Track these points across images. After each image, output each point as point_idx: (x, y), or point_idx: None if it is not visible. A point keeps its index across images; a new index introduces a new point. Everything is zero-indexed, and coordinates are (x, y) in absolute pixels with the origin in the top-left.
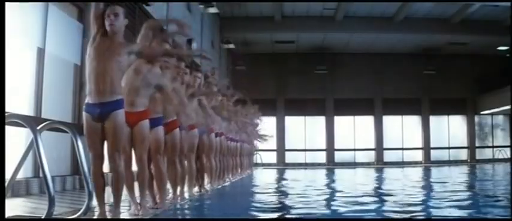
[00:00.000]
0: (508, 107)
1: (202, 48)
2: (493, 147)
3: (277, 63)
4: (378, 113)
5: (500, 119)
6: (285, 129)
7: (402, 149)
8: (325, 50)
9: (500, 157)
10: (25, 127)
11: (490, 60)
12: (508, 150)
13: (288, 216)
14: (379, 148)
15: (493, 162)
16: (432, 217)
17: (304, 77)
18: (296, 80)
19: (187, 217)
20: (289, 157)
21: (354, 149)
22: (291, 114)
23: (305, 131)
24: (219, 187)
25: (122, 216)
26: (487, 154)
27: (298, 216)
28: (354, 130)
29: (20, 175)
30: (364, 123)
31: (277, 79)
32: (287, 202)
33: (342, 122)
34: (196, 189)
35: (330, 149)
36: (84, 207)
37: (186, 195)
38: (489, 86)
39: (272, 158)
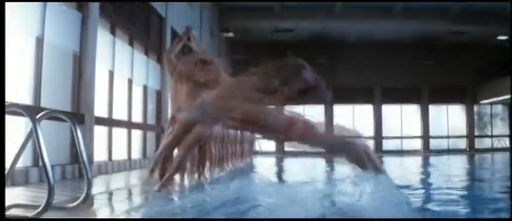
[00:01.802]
0: (507, 96)
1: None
2: (492, 136)
3: (277, 52)
4: (377, 102)
5: (499, 108)
6: None
7: (401, 138)
8: (325, 39)
9: (499, 146)
10: (24, 116)
11: (490, 50)
12: (507, 140)
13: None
14: (378, 137)
15: (492, 151)
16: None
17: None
18: None
19: (188, 206)
20: (288, 145)
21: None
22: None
23: None
24: (219, 175)
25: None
26: (486, 143)
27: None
28: (353, 119)
29: (19, 164)
30: (363, 112)
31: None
32: (285, 190)
33: (340, 111)
34: (195, 177)
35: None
36: (83, 195)
37: (186, 182)
38: (489, 75)
39: (271, 146)
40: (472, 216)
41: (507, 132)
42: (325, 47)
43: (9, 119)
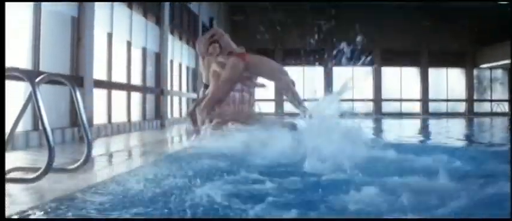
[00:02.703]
0: (507, 61)
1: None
2: (491, 101)
3: (275, 13)
4: (376, 64)
5: (499, 73)
6: None
7: (400, 100)
8: (325, 0)
9: (499, 110)
10: (24, 80)
11: (491, 14)
12: (506, 104)
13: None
14: (378, 99)
15: (491, 116)
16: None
17: (303, 27)
18: (294, 30)
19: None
20: (288, 107)
21: (352, 100)
22: (289, 64)
23: (303, 81)
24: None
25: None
26: (485, 107)
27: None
28: (353, 81)
29: (20, 128)
30: (363, 74)
31: (275, 29)
32: (276, 152)
33: (340, 73)
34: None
35: None
36: (83, 157)
37: (186, 144)
38: (489, 39)
39: (271, 108)
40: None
41: (506, 97)
42: (324, 8)
43: (8, 83)
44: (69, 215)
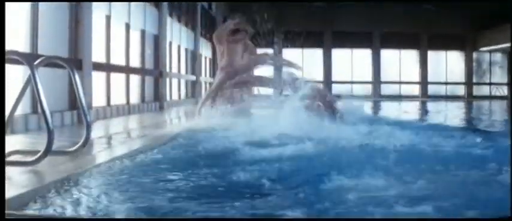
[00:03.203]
0: (507, 44)
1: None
2: (490, 84)
3: None
4: (375, 47)
5: (498, 56)
6: None
7: (399, 83)
8: None
9: (497, 94)
10: (23, 63)
11: None
12: (505, 88)
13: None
14: (377, 81)
15: (490, 99)
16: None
17: (303, 9)
18: (294, 11)
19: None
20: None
21: (351, 82)
22: (288, 46)
23: (303, 63)
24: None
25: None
26: (484, 90)
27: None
28: (352, 63)
29: (19, 111)
30: (362, 56)
31: (275, 10)
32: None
33: (339, 55)
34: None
35: (328, 82)
36: (83, 139)
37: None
38: (489, 23)
39: (270, 90)
40: None
41: (505, 80)
42: None
43: (7, 67)
44: None
